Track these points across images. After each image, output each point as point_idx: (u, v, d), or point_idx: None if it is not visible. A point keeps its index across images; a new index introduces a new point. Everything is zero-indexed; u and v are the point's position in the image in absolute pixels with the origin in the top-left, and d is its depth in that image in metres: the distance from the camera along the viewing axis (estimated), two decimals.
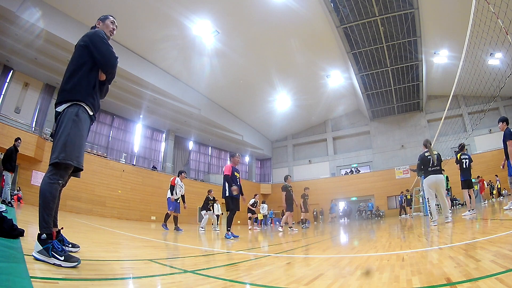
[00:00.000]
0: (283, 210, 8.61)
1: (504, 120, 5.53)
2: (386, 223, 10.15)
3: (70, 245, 2.12)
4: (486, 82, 7.98)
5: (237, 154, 6.06)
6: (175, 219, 7.97)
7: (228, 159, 6.10)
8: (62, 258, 1.58)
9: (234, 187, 5.47)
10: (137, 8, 12.08)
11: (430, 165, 5.38)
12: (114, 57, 2.04)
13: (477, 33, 6.45)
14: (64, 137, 1.78)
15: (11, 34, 10.91)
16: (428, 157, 5.41)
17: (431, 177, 5.35)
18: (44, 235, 1.63)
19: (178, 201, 7.99)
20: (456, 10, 12.42)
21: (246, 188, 19.51)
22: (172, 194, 7.81)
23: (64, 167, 1.79)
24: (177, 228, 7.69)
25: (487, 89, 8.10)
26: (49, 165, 1.77)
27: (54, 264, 1.56)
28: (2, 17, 10.20)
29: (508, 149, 5.27)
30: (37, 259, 1.60)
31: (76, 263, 1.60)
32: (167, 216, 7.90)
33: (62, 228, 2.06)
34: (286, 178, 8.62)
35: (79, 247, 2.20)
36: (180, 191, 8.00)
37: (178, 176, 8.15)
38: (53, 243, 1.61)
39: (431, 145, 5.62)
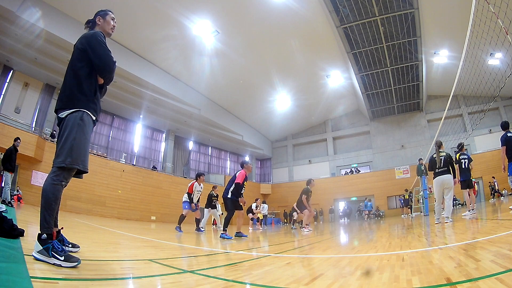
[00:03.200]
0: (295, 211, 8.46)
1: (501, 126, 5.75)
2: (386, 223, 10.15)
3: (70, 245, 2.12)
4: (486, 82, 7.98)
5: (249, 162, 6.12)
6: (182, 218, 7.74)
7: (240, 166, 6.13)
8: (62, 258, 1.58)
9: (242, 199, 5.58)
10: (137, 8, 12.08)
11: (437, 166, 5.45)
12: (112, 62, 2.01)
13: (477, 33, 6.45)
14: (70, 141, 1.79)
15: (11, 34, 10.91)
16: (435, 158, 5.50)
17: (438, 179, 5.42)
18: (44, 235, 1.63)
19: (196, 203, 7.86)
20: (456, 10, 12.42)
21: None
22: (191, 201, 7.63)
23: (68, 170, 1.81)
24: (198, 229, 7.57)
25: (487, 89, 8.10)
26: (54, 167, 1.77)
27: (54, 264, 1.56)
28: (2, 17, 10.20)
29: (501, 154, 5.51)
30: (37, 259, 1.60)
31: (76, 263, 1.60)
32: (182, 217, 7.60)
33: (62, 228, 2.06)
34: (309, 182, 8.21)
35: (79, 247, 2.20)
36: (197, 196, 7.82)
37: (196, 180, 7.90)
38: (53, 243, 1.61)
39: (439, 147, 5.67)
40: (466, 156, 6.89)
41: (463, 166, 6.78)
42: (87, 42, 1.97)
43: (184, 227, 7.98)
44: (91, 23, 2.20)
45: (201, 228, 8.42)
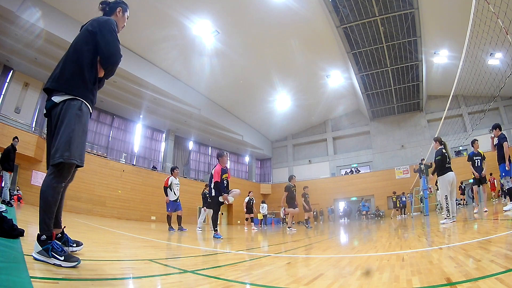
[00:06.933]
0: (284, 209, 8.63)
1: (497, 126, 5.79)
2: (386, 223, 10.15)
3: (74, 244, 2.09)
4: (486, 82, 7.99)
5: (225, 153, 5.70)
6: (179, 219, 7.79)
7: (216, 159, 5.93)
8: (62, 258, 1.57)
9: (225, 196, 5.29)
10: (137, 8, 12.04)
11: (448, 161, 5.34)
12: (118, 53, 1.86)
13: (477, 33, 6.45)
14: (68, 133, 1.65)
15: (11, 34, 10.90)
16: (445, 153, 5.39)
17: (450, 174, 5.25)
18: (44, 236, 1.62)
19: (178, 201, 7.79)
20: (456, 10, 12.42)
21: (246, 188, 19.54)
22: (167, 195, 7.61)
23: (68, 167, 1.70)
24: (181, 228, 7.53)
25: (487, 89, 8.11)
26: (51, 165, 1.66)
27: (54, 264, 1.55)
28: (2, 17, 10.19)
29: (504, 149, 5.47)
30: (37, 260, 1.59)
31: (76, 263, 1.60)
32: (179, 218, 7.73)
33: (64, 227, 2.05)
34: (290, 178, 8.49)
35: (82, 244, 2.18)
36: (177, 189, 7.77)
37: (171, 175, 7.88)
38: (52, 243, 1.61)
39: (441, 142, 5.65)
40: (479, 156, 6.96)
41: (476, 165, 6.82)
42: (98, 26, 1.83)
43: (184, 227, 7.97)
44: (108, 8, 2.04)
45: (198, 229, 8.34)
